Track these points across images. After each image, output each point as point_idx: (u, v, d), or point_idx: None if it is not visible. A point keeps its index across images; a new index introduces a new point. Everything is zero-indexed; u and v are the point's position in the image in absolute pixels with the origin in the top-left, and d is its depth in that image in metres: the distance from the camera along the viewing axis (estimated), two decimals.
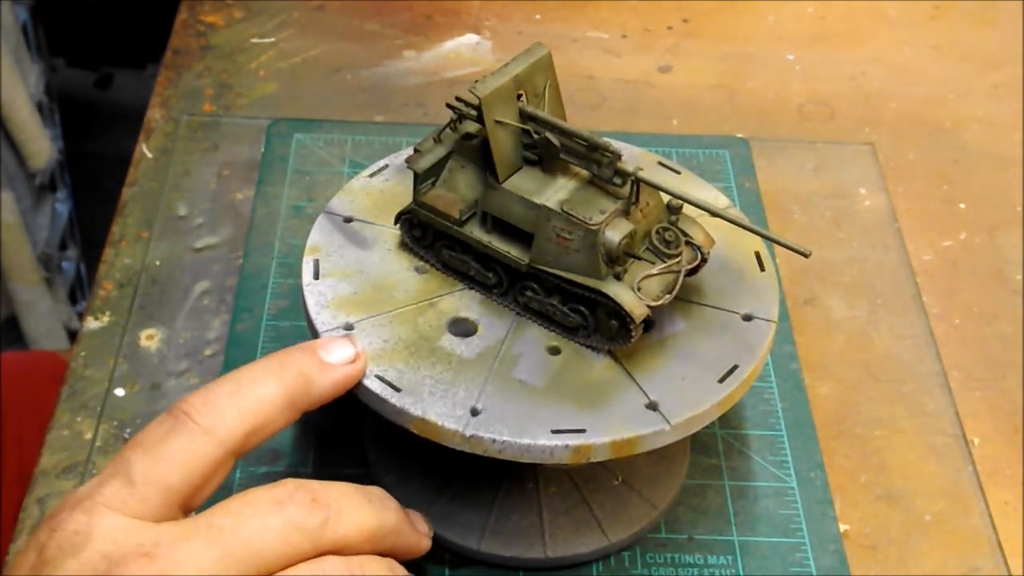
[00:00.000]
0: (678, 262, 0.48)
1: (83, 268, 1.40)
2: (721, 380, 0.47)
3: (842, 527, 0.54)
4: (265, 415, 0.41)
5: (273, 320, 0.61)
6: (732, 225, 0.48)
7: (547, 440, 0.44)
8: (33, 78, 1.26)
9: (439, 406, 0.45)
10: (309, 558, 0.38)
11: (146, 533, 0.37)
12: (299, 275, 0.51)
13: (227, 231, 0.67)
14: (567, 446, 0.44)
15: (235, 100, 0.76)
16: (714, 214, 0.47)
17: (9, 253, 1.18)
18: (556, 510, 0.52)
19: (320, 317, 0.48)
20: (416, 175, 0.49)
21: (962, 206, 0.72)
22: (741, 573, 0.52)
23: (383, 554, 0.41)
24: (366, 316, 0.49)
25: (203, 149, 0.72)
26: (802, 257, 0.45)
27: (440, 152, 0.50)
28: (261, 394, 0.41)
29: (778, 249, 0.67)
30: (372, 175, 0.56)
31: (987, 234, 0.71)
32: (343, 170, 0.70)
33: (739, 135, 0.75)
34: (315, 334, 0.48)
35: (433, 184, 0.50)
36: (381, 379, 0.46)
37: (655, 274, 0.47)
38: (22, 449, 0.77)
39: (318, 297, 0.49)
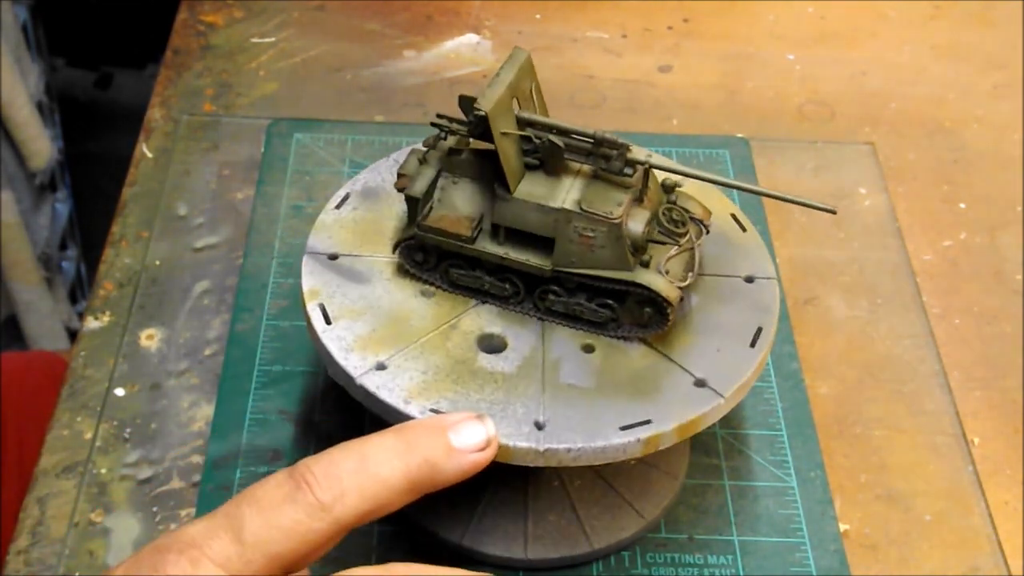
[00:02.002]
0: (689, 239, 0.49)
1: (83, 268, 1.40)
2: (752, 344, 0.48)
3: (842, 527, 0.54)
4: (385, 498, 0.39)
5: (273, 320, 0.61)
6: (703, 193, 0.50)
7: (619, 438, 0.45)
8: (33, 78, 1.25)
9: (503, 427, 0.45)
10: None
11: None
12: (299, 274, 0.51)
13: (227, 231, 0.67)
14: (638, 440, 0.45)
15: (235, 100, 0.76)
16: (725, 184, 0.48)
17: (9, 253, 1.18)
18: (542, 513, 0.52)
19: (349, 362, 0.47)
20: (414, 200, 0.49)
21: (962, 206, 0.72)
22: (741, 573, 0.52)
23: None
24: (395, 351, 0.48)
25: (203, 149, 0.72)
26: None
27: (430, 173, 0.49)
28: (385, 476, 0.39)
29: (778, 250, 0.67)
30: (338, 206, 0.54)
31: (987, 234, 0.71)
32: (343, 170, 0.70)
33: (739, 135, 0.75)
34: (347, 379, 0.47)
35: (429, 206, 0.49)
36: (436, 412, 0.45)
37: (675, 255, 0.48)
38: (22, 449, 0.77)
39: (339, 342, 0.48)
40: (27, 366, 0.86)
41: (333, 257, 0.52)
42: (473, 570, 0.47)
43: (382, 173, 0.56)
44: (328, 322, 0.49)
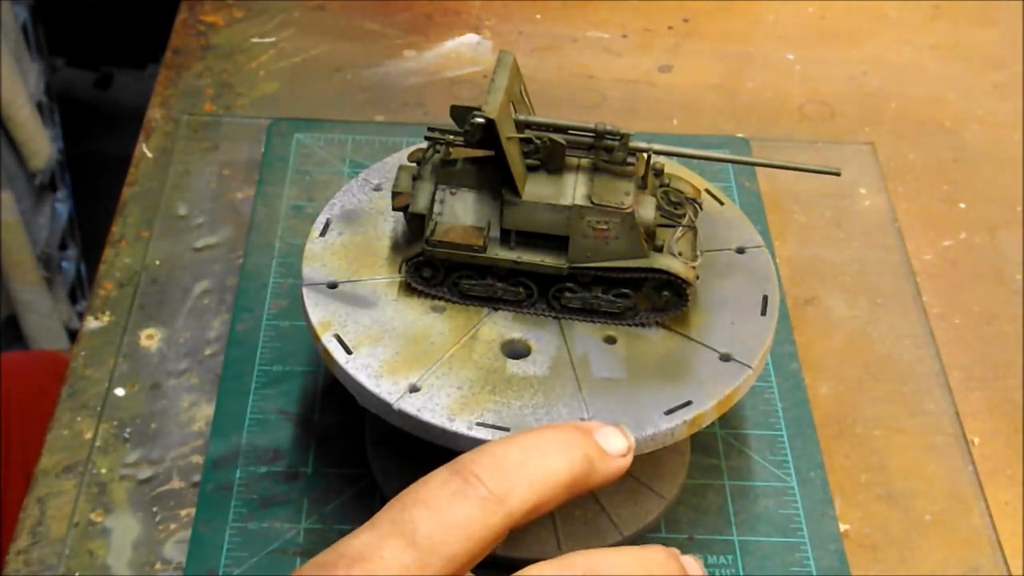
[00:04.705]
0: (689, 218, 0.49)
1: (83, 268, 1.40)
2: (763, 313, 0.50)
3: (842, 527, 0.54)
4: (549, 493, 0.37)
5: (273, 320, 0.61)
6: (674, 171, 0.52)
7: (666, 423, 0.46)
8: (33, 78, 1.26)
9: None
10: None
11: None
12: (299, 274, 0.51)
13: (227, 231, 0.67)
14: (684, 422, 0.46)
15: (235, 100, 0.76)
16: (725, 160, 0.50)
17: (9, 253, 1.18)
18: (568, 510, 0.52)
19: (382, 388, 0.47)
20: (419, 216, 0.49)
21: (962, 206, 0.72)
22: (741, 573, 0.52)
23: None
24: (424, 371, 0.47)
25: (203, 149, 0.72)
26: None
27: (429, 187, 0.49)
28: (551, 470, 0.37)
29: (778, 250, 0.67)
30: (322, 233, 0.53)
31: (987, 234, 0.71)
32: (343, 170, 0.70)
33: (739, 135, 0.75)
34: (383, 405, 0.47)
35: (433, 221, 0.49)
36: (484, 425, 0.45)
37: (680, 236, 0.49)
38: (26, 449, 0.77)
39: (366, 370, 0.47)
40: (30, 365, 0.86)
41: (332, 286, 0.51)
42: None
43: (356, 195, 0.55)
44: (348, 352, 0.48)
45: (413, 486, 0.36)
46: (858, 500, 0.56)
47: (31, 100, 1.19)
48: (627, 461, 0.40)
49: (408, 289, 0.51)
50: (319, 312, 0.50)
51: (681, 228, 0.49)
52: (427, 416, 0.46)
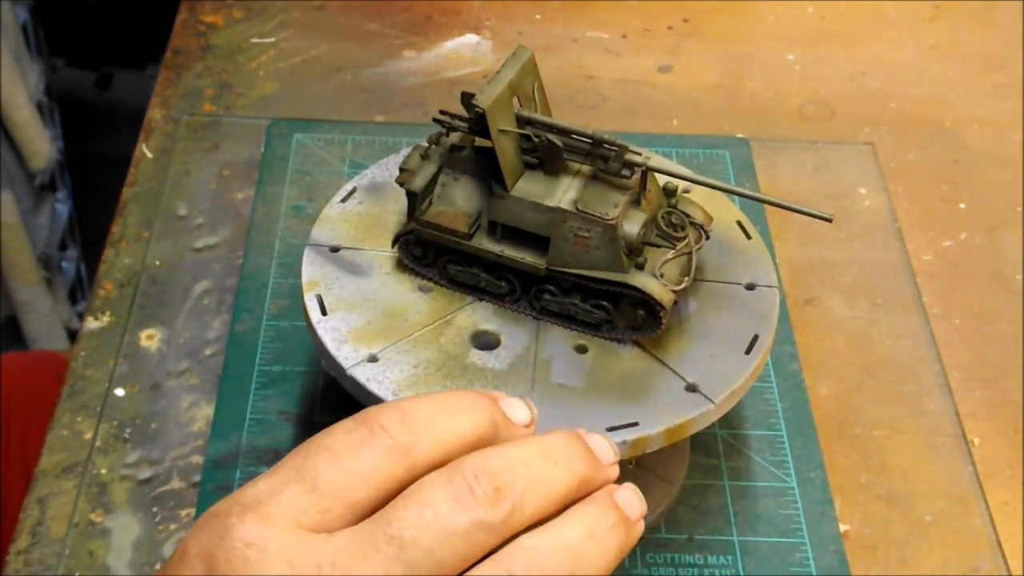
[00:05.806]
0: (687, 243, 0.48)
1: (83, 268, 1.40)
2: (747, 352, 0.48)
3: (842, 527, 0.54)
4: (454, 449, 0.37)
5: (273, 320, 0.61)
6: (710, 198, 0.50)
7: None
8: (33, 78, 1.25)
9: None
10: (493, 549, 0.35)
11: (323, 550, 0.33)
12: (299, 275, 0.51)
13: (227, 231, 0.67)
14: (625, 442, 0.45)
15: (235, 100, 0.76)
16: (721, 189, 0.48)
17: (9, 253, 1.18)
18: None
19: (341, 353, 0.47)
20: (413, 195, 0.49)
21: (962, 206, 0.72)
22: (741, 573, 0.52)
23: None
24: (388, 344, 0.48)
25: (203, 149, 0.72)
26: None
27: (431, 168, 0.49)
28: (457, 427, 0.37)
29: (778, 250, 0.67)
30: (344, 200, 0.55)
31: (987, 234, 0.71)
32: (343, 170, 0.70)
33: (739, 135, 0.75)
34: (339, 369, 0.47)
35: (428, 201, 0.49)
36: None
37: (671, 258, 0.48)
38: (26, 449, 0.77)
39: (333, 333, 0.48)
40: (30, 366, 0.86)
41: (335, 249, 0.52)
42: None
43: (390, 168, 0.56)
44: (324, 313, 0.49)
45: (317, 436, 0.36)
46: (858, 500, 0.56)
47: (31, 100, 1.19)
48: (530, 432, 0.40)
49: (401, 266, 0.51)
50: (311, 271, 0.51)
51: (673, 251, 0.48)
52: (374, 387, 0.46)
